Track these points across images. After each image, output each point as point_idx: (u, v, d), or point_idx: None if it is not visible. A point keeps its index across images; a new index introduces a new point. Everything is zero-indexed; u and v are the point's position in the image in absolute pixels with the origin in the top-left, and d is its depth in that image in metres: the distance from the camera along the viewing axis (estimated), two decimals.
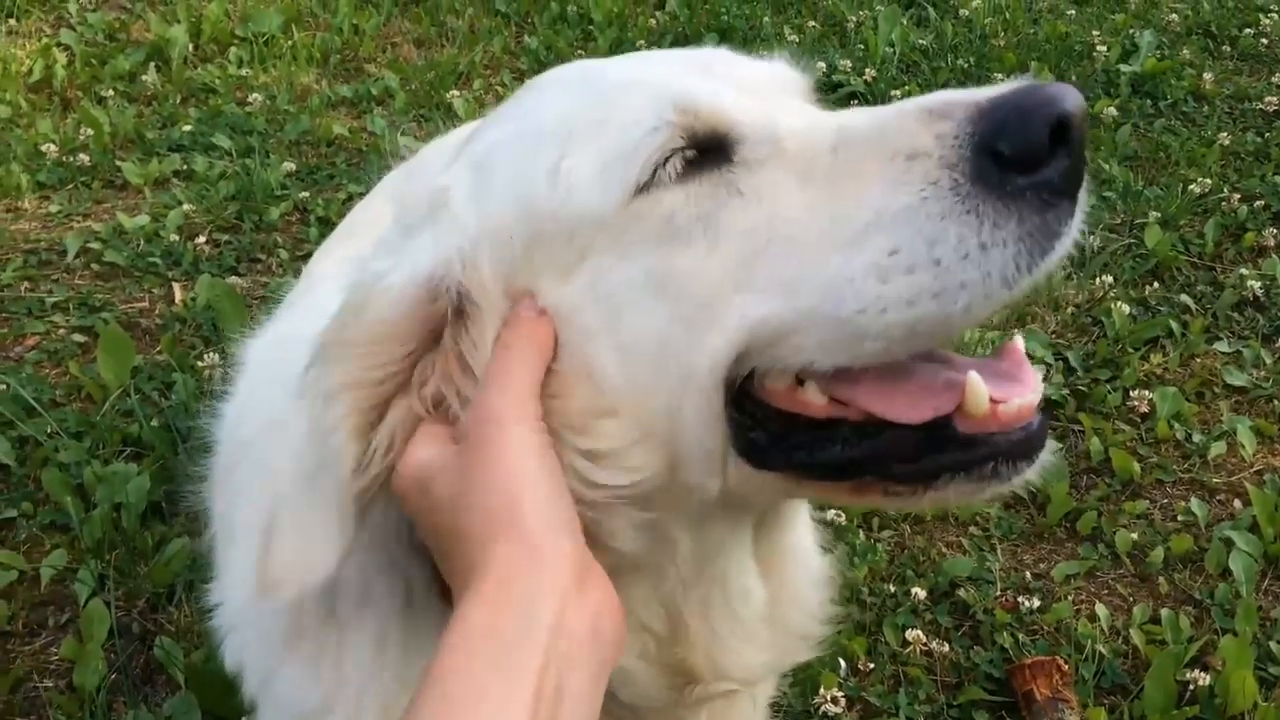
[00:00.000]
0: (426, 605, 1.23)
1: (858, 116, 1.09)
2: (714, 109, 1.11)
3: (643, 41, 5.14)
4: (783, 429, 1.09)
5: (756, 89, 1.17)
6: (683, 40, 5.22)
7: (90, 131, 4.15)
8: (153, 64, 4.77)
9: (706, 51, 1.26)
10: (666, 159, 1.08)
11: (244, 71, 4.77)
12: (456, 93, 4.65)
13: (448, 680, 0.96)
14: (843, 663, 2.33)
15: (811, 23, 5.47)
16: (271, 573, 1.16)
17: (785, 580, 1.33)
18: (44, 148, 4.06)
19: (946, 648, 2.38)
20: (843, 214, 1.03)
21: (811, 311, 1.02)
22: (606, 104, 1.13)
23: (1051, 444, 1.06)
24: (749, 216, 1.07)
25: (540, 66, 4.92)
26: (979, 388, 1.01)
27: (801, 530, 1.42)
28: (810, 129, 1.10)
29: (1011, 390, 1.03)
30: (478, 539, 1.02)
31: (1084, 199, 1.02)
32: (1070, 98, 0.98)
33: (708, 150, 1.10)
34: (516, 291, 1.13)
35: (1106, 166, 4.20)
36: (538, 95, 1.23)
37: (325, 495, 1.15)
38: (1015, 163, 0.98)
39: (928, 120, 1.02)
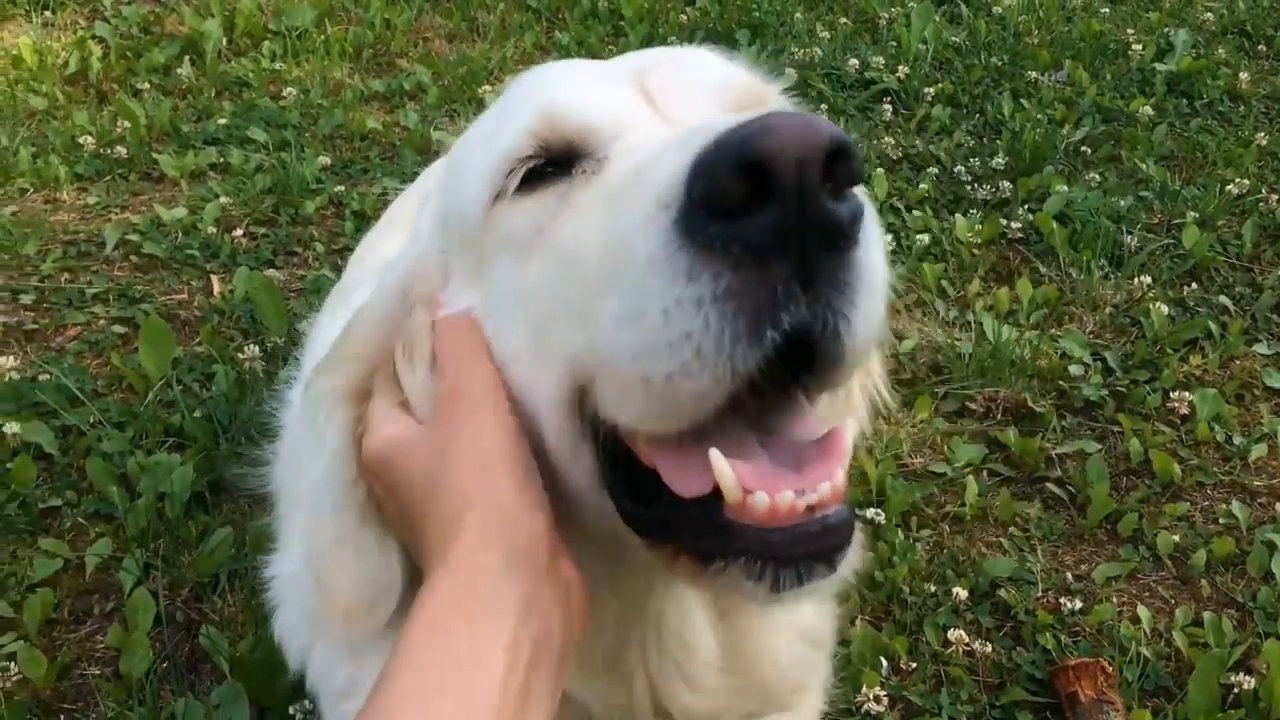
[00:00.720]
0: None
1: (674, 138, 0.97)
2: (570, 117, 1.06)
3: (674, 37, 5.14)
4: (635, 475, 1.00)
5: (680, 96, 1.10)
6: (714, 36, 5.21)
7: (127, 124, 4.18)
8: (187, 57, 4.79)
9: (665, 53, 1.20)
10: (511, 169, 1.06)
11: (278, 65, 4.79)
12: (488, 88, 4.66)
13: (417, 652, 0.93)
14: (884, 661, 2.33)
15: (843, 19, 5.46)
16: (340, 609, 1.20)
17: (745, 632, 1.26)
18: (81, 140, 4.08)
19: (989, 648, 2.37)
20: (610, 249, 0.94)
21: (594, 352, 0.95)
22: (506, 115, 1.13)
23: (848, 556, 0.93)
24: (569, 231, 1.02)
25: None
26: (723, 470, 0.90)
27: None
28: (636, 150, 1.01)
29: (776, 483, 0.91)
30: (449, 514, 1.00)
31: (862, 268, 0.88)
32: (785, 136, 0.82)
33: (559, 162, 1.06)
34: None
35: (1143, 166, 4.18)
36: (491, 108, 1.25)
37: (348, 518, 1.18)
38: (708, 209, 0.84)
39: (673, 152, 0.90)
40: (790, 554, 0.91)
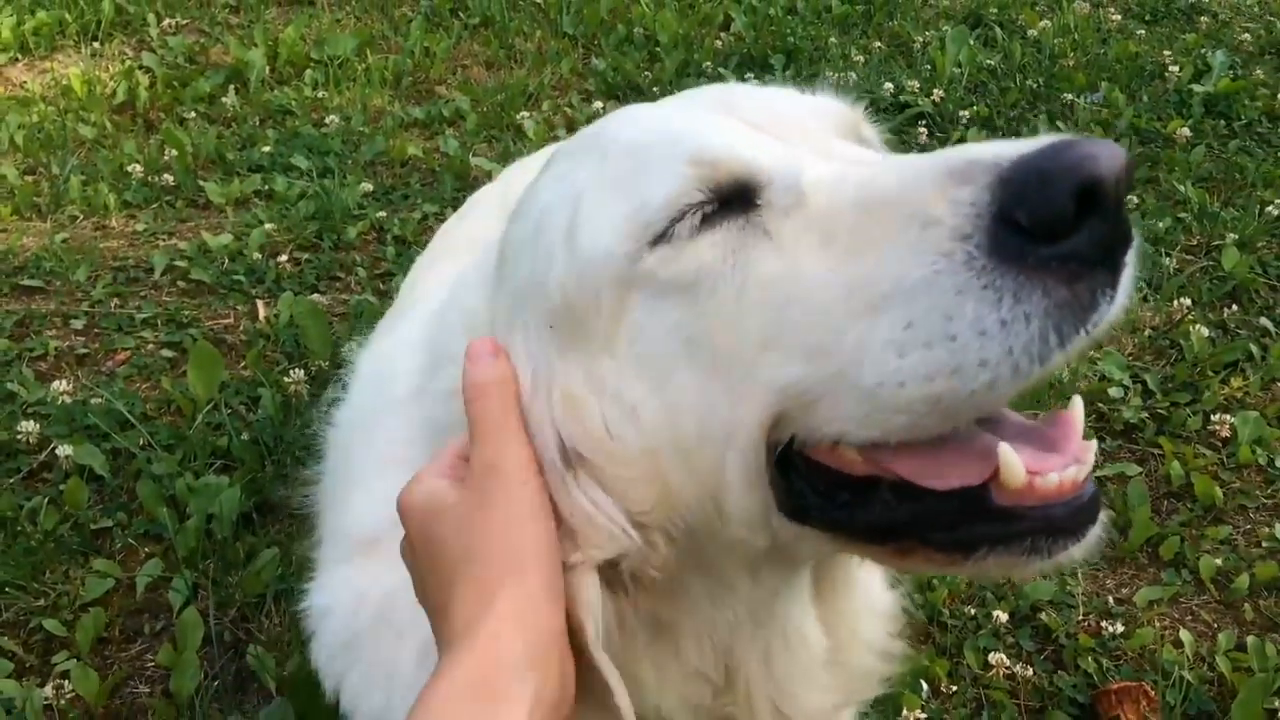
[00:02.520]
0: None
1: (888, 169, 1.03)
2: (731, 156, 1.07)
3: (709, 63, 5.18)
4: (825, 486, 1.05)
5: (787, 127, 1.13)
6: (749, 62, 5.25)
7: (174, 152, 4.27)
8: (232, 86, 4.88)
9: (736, 88, 1.23)
10: (684, 214, 1.05)
11: (320, 94, 4.88)
12: (526, 114, 4.72)
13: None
14: (924, 684, 2.33)
15: (877, 43, 5.48)
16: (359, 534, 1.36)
17: (846, 620, 1.33)
18: (129, 168, 4.17)
19: (1030, 671, 2.36)
20: (861, 280, 0.97)
21: (835, 379, 0.98)
22: (633, 165, 1.11)
23: (1103, 518, 1.01)
24: (777, 261, 1.03)
25: (607, 88, 4.99)
26: (1011, 460, 0.95)
27: (864, 567, 1.38)
28: (836, 182, 1.03)
29: (1052, 462, 0.97)
30: (479, 595, 1.02)
31: (1132, 260, 0.96)
32: (1104, 157, 0.89)
33: (730, 200, 1.06)
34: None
35: (1181, 188, 4.16)
36: (562, 163, 1.21)
37: None
38: (1036, 233, 0.90)
39: (946, 183, 0.95)
40: (1075, 524, 0.98)
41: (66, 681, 2.29)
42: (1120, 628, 2.46)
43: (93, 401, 2.99)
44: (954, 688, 2.34)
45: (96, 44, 5.27)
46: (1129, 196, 1.00)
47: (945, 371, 0.92)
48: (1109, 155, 0.89)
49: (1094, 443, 1.01)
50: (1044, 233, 0.90)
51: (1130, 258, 0.95)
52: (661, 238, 1.06)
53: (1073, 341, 0.92)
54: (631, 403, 1.08)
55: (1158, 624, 2.52)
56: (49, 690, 2.26)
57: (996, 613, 2.47)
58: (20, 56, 5.11)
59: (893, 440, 0.98)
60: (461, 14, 5.72)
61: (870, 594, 1.40)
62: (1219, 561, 2.65)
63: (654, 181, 1.07)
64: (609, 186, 1.11)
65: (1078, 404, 1.03)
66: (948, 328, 0.92)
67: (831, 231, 1.01)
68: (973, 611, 2.50)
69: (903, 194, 0.98)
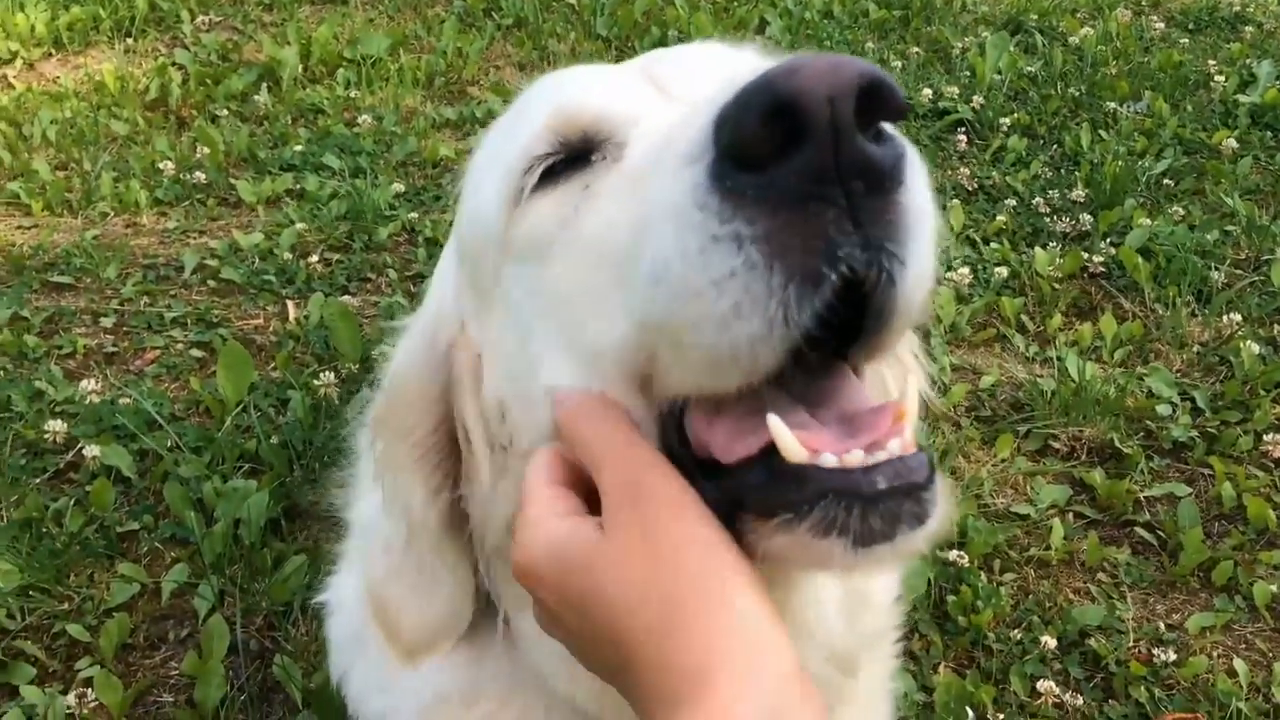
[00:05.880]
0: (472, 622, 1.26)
1: (692, 107, 0.93)
2: (582, 109, 1.04)
3: None
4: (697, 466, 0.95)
5: (689, 83, 1.05)
6: None
7: (206, 150, 4.24)
8: (264, 84, 4.85)
9: (675, 49, 1.17)
10: (529, 167, 1.04)
11: (352, 93, 4.84)
12: None
13: None
14: (970, 711, 2.25)
15: (915, 49, 5.40)
16: (407, 642, 1.25)
17: (790, 614, 1.10)
18: (161, 165, 4.15)
19: (1079, 700, 2.28)
20: (640, 219, 0.91)
21: (641, 325, 0.91)
22: (518, 120, 1.12)
23: (937, 506, 0.86)
24: (599, 217, 0.98)
25: None
26: (780, 432, 0.85)
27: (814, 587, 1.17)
28: (659, 130, 0.97)
29: (843, 444, 0.86)
30: (695, 665, 0.83)
31: (907, 192, 0.83)
32: (806, 73, 0.77)
33: (580, 155, 1.04)
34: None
35: (1228, 200, 4.07)
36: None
37: (418, 554, 1.22)
38: (741, 165, 0.81)
39: (703, 112, 0.86)
40: (876, 489, 0.84)
41: (90, 690, 2.24)
42: (1172, 655, 2.38)
43: (121, 401, 2.95)
44: (1000, 715, 2.26)
45: (130, 40, 5.26)
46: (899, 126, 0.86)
47: (689, 295, 0.84)
48: (820, 70, 0.77)
49: (910, 430, 0.88)
50: (743, 161, 0.81)
51: (902, 193, 0.82)
52: (519, 196, 1.05)
53: (811, 285, 0.81)
54: (506, 374, 1.09)
55: (1211, 652, 2.43)
56: (71, 699, 2.21)
57: (1044, 638, 2.39)
58: (54, 51, 5.10)
59: (702, 390, 0.90)
60: (495, 15, 5.67)
61: (826, 583, 1.18)
62: (1274, 588, 2.56)
63: (519, 140, 1.07)
64: (497, 149, 1.12)
65: (911, 388, 0.93)
66: (679, 245, 0.84)
67: (636, 172, 0.96)
68: (1018, 636, 2.42)
69: (669, 132, 0.92)
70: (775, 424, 0.86)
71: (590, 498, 0.98)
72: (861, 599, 1.24)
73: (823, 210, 0.80)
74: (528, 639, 1.20)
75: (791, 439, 0.86)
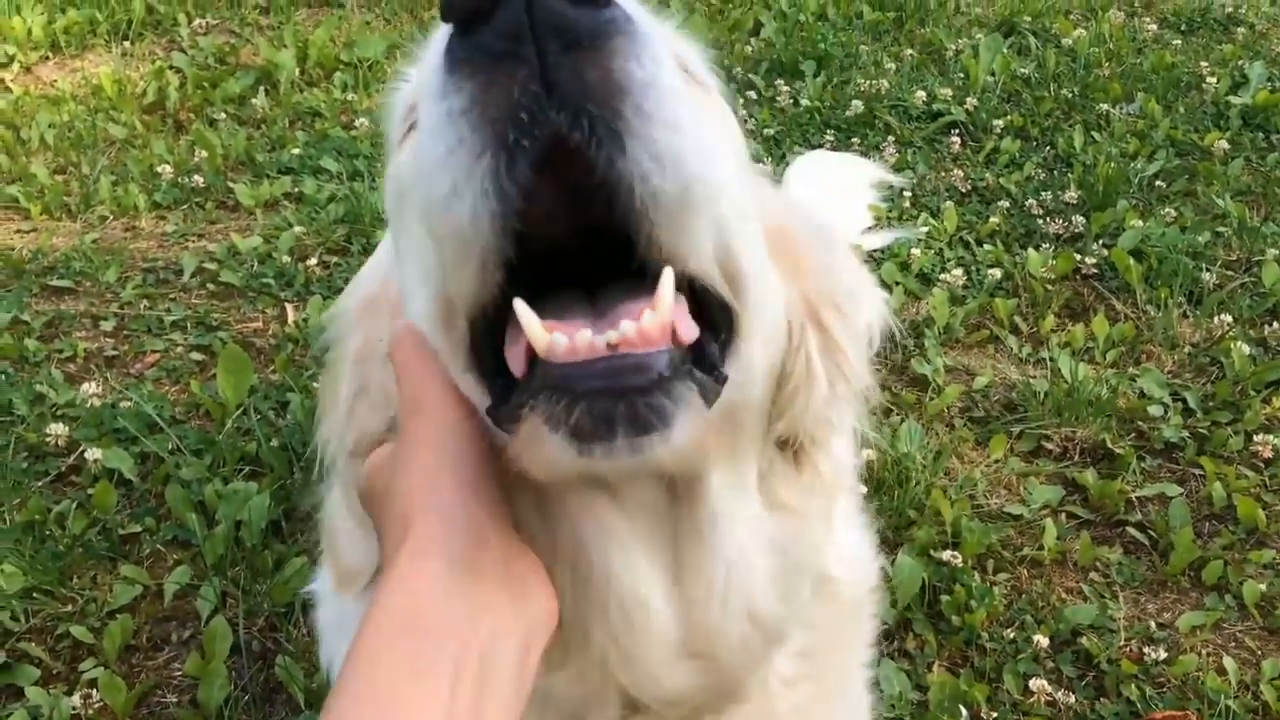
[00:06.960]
0: None
1: None
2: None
3: (739, 69, 5.14)
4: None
5: None
6: (779, 68, 5.21)
7: (204, 153, 4.26)
8: (262, 88, 4.87)
9: None
10: (408, 114, 1.10)
11: (349, 96, 4.86)
12: None
13: (365, 663, 0.90)
14: (964, 710, 2.28)
15: (909, 51, 5.43)
16: (342, 569, 1.35)
17: (703, 573, 1.07)
18: (159, 168, 4.17)
19: (1071, 698, 2.31)
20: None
21: (430, 241, 0.96)
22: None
23: (679, 413, 0.82)
24: (411, 149, 1.04)
25: None
26: (524, 313, 0.84)
27: (734, 500, 1.09)
28: None
29: (582, 328, 0.84)
30: (399, 521, 0.98)
31: (614, 79, 0.81)
32: None
33: None
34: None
35: (1220, 201, 4.10)
36: None
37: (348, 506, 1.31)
38: (459, 29, 0.83)
39: None
40: (583, 386, 0.81)
41: (94, 691, 2.26)
42: (1163, 654, 2.41)
43: (122, 404, 2.98)
44: (993, 714, 2.29)
45: (127, 43, 5.27)
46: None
47: (424, 180, 0.88)
48: None
49: (653, 314, 0.84)
50: (459, 27, 0.82)
51: (609, 56, 0.81)
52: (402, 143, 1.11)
53: (504, 151, 0.81)
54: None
55: (1201, 650, 2.46)
56: (76, 700, 2.24)
57: (1037, 637, 2.42)
58: (51, 55, 5.12)
59: (462, 294, 0.91)
60: None
61: (743, 537, 1.09)
62: (1263, 587, 2.59)
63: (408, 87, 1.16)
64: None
65: (665, 278, 0.86)
66: (420, 134, 0.89)
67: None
68: (1012, 635, 2.45)
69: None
70: (520, 308, 0.85)
71: None
72: (796, 568, 1.15)
73: (515, 69, 0.80)
74: None
75: (534, 322, 0.84)
